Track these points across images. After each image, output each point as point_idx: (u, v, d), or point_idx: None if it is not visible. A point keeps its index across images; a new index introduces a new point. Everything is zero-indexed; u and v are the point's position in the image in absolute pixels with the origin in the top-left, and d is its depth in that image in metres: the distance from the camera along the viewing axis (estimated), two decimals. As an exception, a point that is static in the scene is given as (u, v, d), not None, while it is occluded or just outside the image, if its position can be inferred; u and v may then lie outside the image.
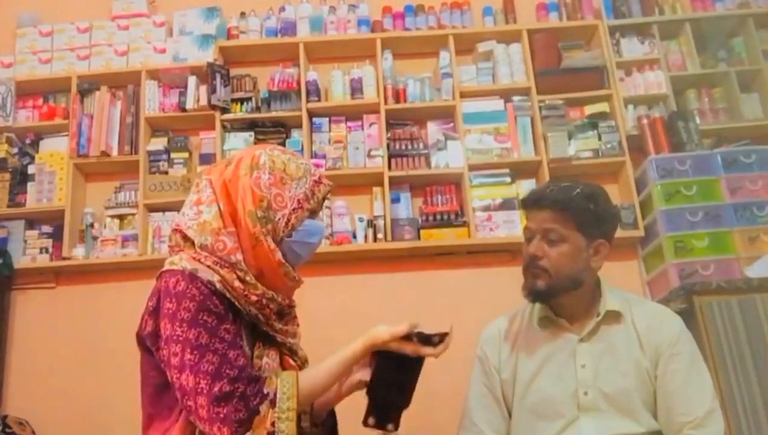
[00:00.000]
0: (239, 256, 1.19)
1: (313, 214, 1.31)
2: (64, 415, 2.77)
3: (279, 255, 1.22)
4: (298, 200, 1.25)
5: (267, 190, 1.22)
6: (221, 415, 1.06)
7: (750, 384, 2.17)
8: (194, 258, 1.18)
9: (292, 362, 1.28)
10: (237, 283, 1.17)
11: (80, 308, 2.96)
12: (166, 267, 1.19)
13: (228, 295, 1.16)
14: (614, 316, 1.53)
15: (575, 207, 1.50)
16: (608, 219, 1.56)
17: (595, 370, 1.49)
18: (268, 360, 1.22)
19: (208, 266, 1.17)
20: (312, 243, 1.31)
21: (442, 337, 1.21)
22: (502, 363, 1.60)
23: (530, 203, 1.58)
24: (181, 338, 1.10)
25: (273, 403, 1.09)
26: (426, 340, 1.21)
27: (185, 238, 1.22)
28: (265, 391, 1.10)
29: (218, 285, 1.15)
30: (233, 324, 1.16)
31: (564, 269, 1.50)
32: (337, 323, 2.86)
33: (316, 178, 1.30)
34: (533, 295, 1.54)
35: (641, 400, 1.46)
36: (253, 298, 1.19)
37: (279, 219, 1.23)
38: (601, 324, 1.53)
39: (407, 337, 1.20)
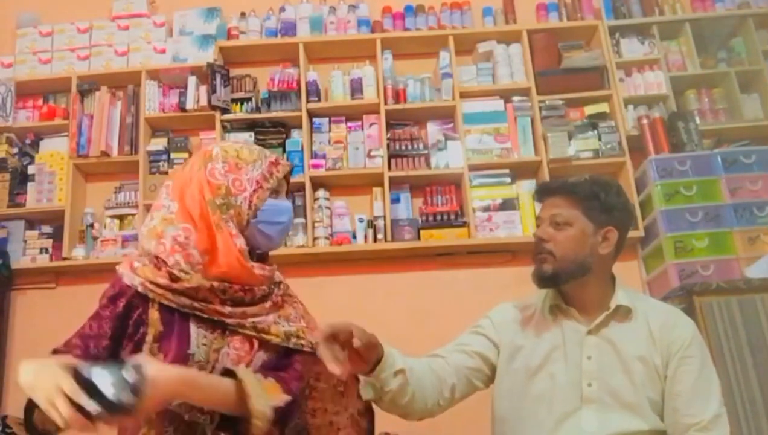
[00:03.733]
0: (178, 257, 1.21)
1: (276, 194, 1.31)
2: (64, 416, 2.77)
3: (241, 241, 1.23)
4: (257, 181, 1.26)
5: (223, 177, 1.24)
6: None
7: (750, 384, 2.17)
8: (129, 262, 1.25)
9: (267, 340, 1.25)
10: (160, 280, 1.20)
11: (80, 308, 2.92)
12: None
13: (151, 295, 1.20)
14: (625, 312, 1.53)
15: (581, 191, 1.53)
16: (618, 208, 1.56)
17: (600, 362, 1.49)
18: (229, 350, 1.22)
19: (134, 269, 1.22)
20: (280, 222, 1.31)
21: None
22: (505, 341, 1.59)
23: (540, 192, 1.64)
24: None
25: None
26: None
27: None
28: None
29: (140, 288, 1.21)
30: (179, 322, 1.20)
31: (569, 252, 1.51)
32: (337, 323, 2.87)
33: (272, 160, 1.31)
34: (541, 280, 1.55)
35: (647, 397, 1.46)
36: (183, 288, 1.20)
37: (241, 202, 1.24)
38: (611, 318, 1.53)
39: None
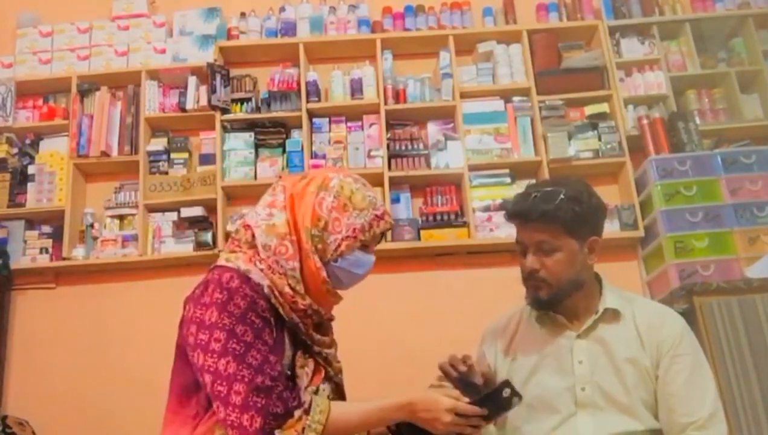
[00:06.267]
0: (296, 264, 1.23)
1: (366, 247, 1.32)
2: (64, 415, 2.77)
3: (324, 273, 1.26)
4: (354, 229, 1.28)
5: (327, 212, 1.27)
6: (258, 405, 1.09)
7: (750, 384, 2.17)
8: (250, 260, 1.22)
9: (325, 372, 1.30)
10: (287, 289, 1.21)
11: (80, 308, 2.96)
12: (221, 262, 1.23)
13: (273, 300, 1.20)
14: (613, 314, 1.53)
15: (563, 215, 1.48)
16: (595, 214, 1.55)
17: (592, 366, 1.49)
18: (308, 370, 1.25)
19: (261, 270, 1.21)
20: (356, 274, 1.32)
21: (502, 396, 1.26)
22: (499, 361, 1.61)
23: (516, 217, 1.56)
24: (227, 327, 1.13)
25: (307, 412, 1.13)
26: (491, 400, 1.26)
27: (253, 236, 1.26)
28: (303, 399, 1.14)
29: (266, 289, 1.19)
30: (276, 332, 1.20)
31: (563, 276, 1.50)
32: (337, 323, 2.86)
33: (378, 213, 1.32)
34: (538, 304, 1.55)
35: (640, 398, 1.46)
36: (300, 306, 1.23)
37: (331, 242, 1.26)
38: (600, 322, 1.53)
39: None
